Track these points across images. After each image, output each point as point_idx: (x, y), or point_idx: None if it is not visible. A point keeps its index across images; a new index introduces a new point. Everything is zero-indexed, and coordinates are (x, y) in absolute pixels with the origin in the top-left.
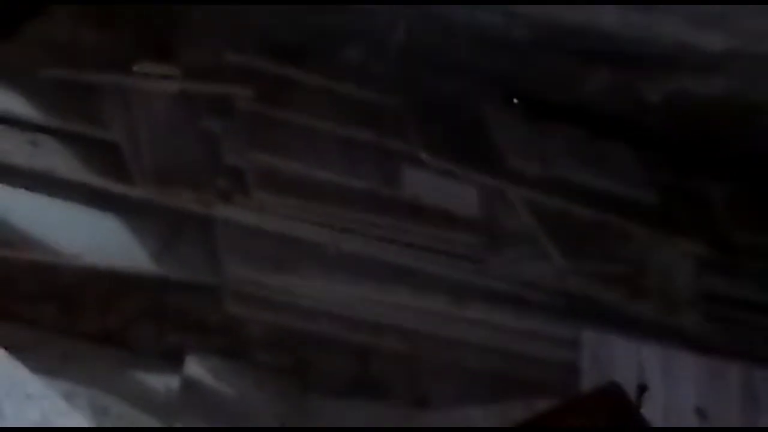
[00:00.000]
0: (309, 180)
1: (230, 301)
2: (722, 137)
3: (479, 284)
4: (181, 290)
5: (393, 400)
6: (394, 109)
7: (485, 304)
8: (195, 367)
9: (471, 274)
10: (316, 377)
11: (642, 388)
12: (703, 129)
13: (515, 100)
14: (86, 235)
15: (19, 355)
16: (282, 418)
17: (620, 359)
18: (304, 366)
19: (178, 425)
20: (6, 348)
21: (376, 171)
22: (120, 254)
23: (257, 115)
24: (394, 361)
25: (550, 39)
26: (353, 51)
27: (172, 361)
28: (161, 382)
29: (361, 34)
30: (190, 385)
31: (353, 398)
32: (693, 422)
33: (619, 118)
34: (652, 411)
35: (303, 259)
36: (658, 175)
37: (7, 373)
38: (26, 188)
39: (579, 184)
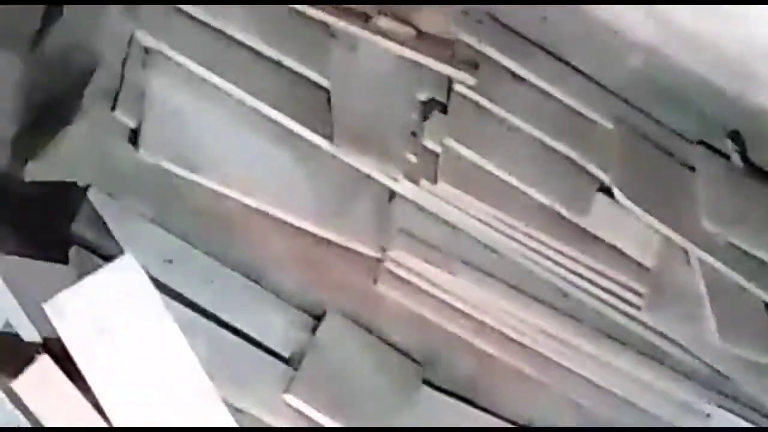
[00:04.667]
0: (497, 182)
1: (383, 277)
2: None
3: (628, 330)
4: (340, 252)
5: (503, 417)
6: (607, 133)
7: (626, 351)
8: (329, 330)
9: (624, 317)
10: (439, 373)
11: None
12: None
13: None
14: (261, 172)
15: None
16: (394, 402)
17: None
18: (429, 357)
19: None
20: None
21: (567, 191)
22: (289, 200)
23: (471, 105)
24: (518, 379)
25: None
26: (585, 63)
27: (309, 316)
28: (290, 332)
29: (599, 48)
30: (317, 346)
31: (464, 401)
32: None
33: None
34: None
35: (463, 256)
36: None
37: None
38: (217, 110)
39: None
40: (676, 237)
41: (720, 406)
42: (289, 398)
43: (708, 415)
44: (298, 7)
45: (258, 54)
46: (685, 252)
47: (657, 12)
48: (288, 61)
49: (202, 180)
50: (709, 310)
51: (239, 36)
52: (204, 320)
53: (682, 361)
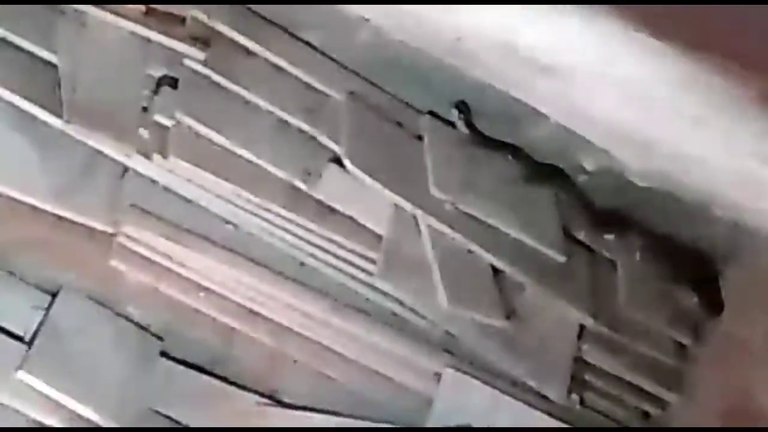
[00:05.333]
0: (231, 156)
1: (117, 252)
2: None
3: (365, 298)
4: (74, 230)
5: (246, 387)
6: (336, 104)
7: (364, 319)
8: (64, 307)
9: (360, 286)
10: (177, 345)
11: None
12: (628, 203)
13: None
14: None
15: None
16: (131, 375)
17: (474, 406)
18: (169, 332)
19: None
20: None
21: (299, 163)
22: (22, 181)
23: (200, 79)
24: (258, 351)
25: None
26: (316, 38)
27: (45, 293)
28: (26, 311)
29: (327, 23)
30: (52, 322)
31: (207, 375)
32: None
33: (555, 169)
34: None
35: (198, 230)
36: (573, 234)
37: None
38: None
39: (493, 227)
40: (405, 204)
41: (452, 367)
42: (23, 375)
43: (437, 375)
44: None
45: None
46: (416, 219)
47: None
48: (15, 39)
49: None
50: (437, 274)
51: None
52: None
53: (418, 326)
